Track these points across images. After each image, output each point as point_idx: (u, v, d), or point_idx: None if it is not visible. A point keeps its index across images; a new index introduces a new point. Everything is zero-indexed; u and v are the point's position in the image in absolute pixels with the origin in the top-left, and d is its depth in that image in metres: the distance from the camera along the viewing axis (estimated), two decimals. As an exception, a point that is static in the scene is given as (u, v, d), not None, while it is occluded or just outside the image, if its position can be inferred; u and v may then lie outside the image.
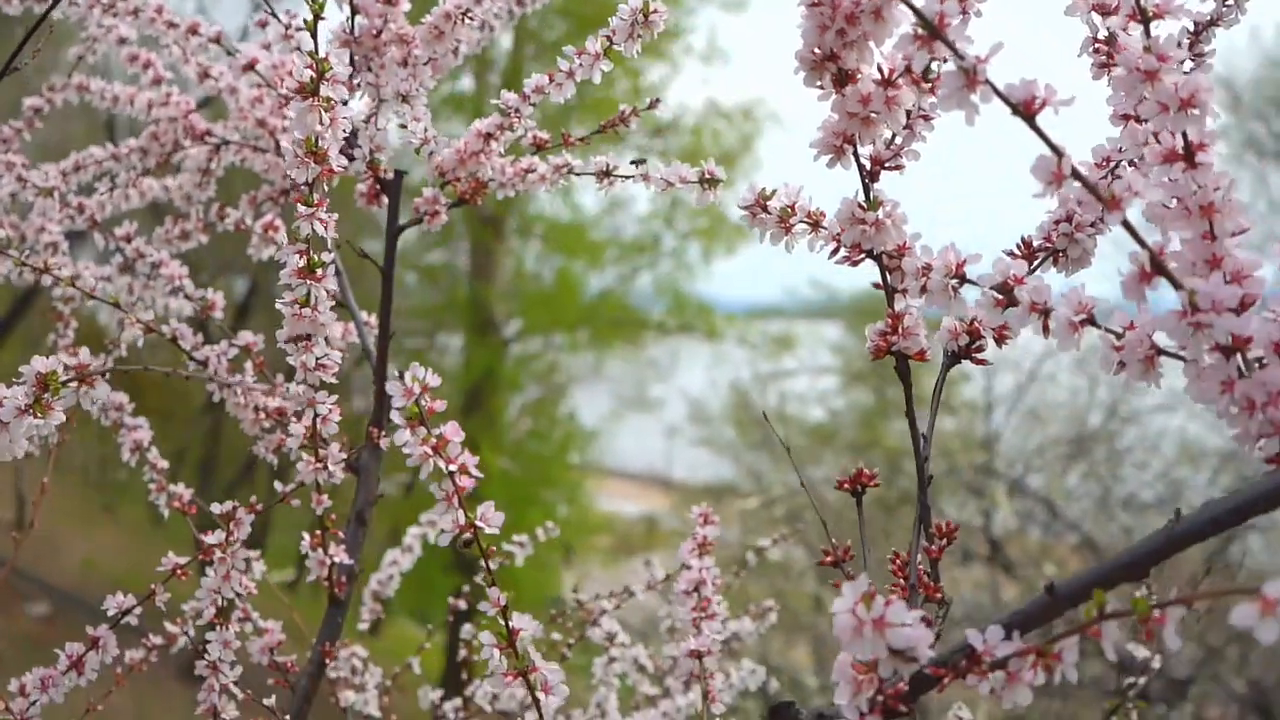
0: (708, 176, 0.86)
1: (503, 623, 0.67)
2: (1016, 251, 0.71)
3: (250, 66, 1.07)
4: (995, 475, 6.13)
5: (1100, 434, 7.03)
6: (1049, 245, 0.71)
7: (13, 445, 0.70)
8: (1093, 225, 0.70)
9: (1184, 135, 0.55)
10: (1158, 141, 0.59)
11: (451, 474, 0.64)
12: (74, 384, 0.68)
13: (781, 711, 0.60)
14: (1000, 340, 0.69)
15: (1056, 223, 0.71)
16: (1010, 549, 6.67)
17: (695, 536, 1.01)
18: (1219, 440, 7.34)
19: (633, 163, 0.97)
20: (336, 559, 0.99)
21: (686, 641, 0.95)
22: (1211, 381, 0.53)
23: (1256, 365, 0.55)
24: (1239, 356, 0.53)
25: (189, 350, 1.03)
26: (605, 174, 0.97)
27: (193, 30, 1.10)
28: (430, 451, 0.64)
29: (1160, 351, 0.56)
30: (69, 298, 1.27)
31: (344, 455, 0.94)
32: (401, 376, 0.63)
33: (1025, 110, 0.52)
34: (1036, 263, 0.71)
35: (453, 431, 0.65)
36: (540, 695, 0.66)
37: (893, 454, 8.44)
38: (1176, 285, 0.53)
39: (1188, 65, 0.75)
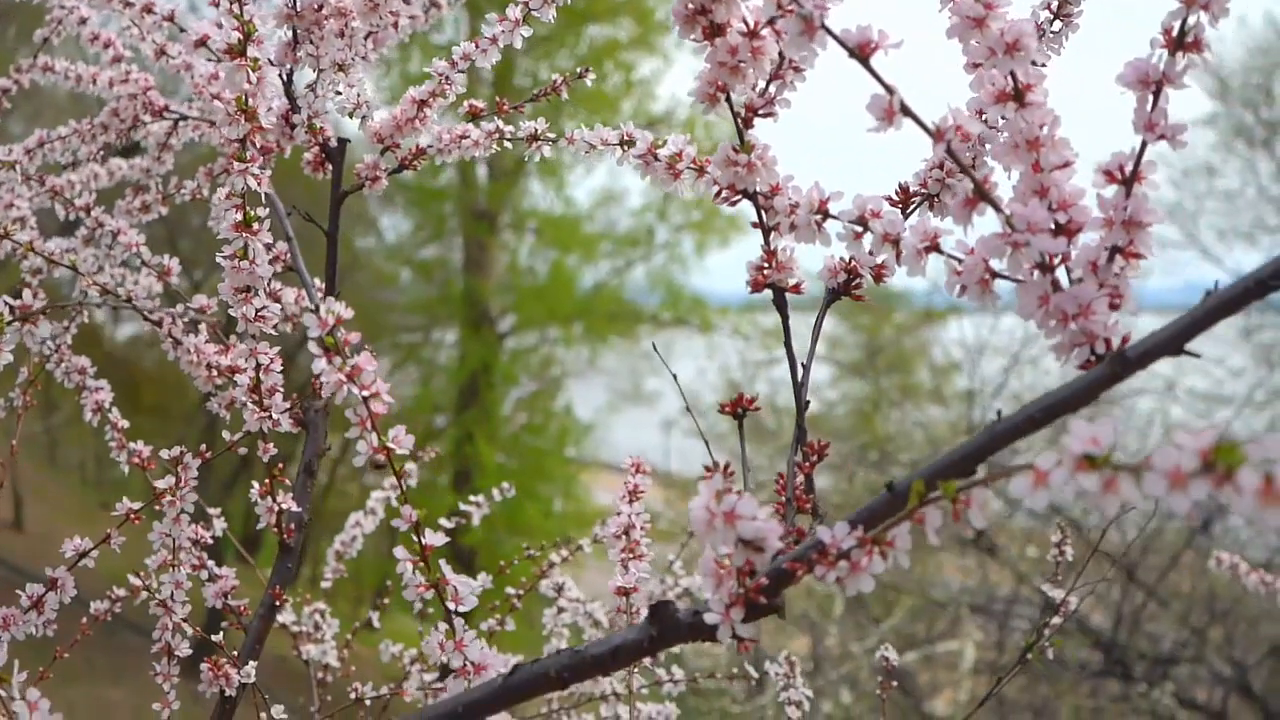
0: (626, 139, 0.91)
1: (416, 539, 0.72)
2: (894, 197, 0.77)
3: (202, 42, 1.12)
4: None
5: (1093, 418, 7.08)
6: (924, 190, 0.76)
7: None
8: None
9: (1013, 76, 0.61)
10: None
11: (366, 399, 0.70)
12: (17, 324, 0.73)
13: (660, 609, 0.65)
14: (878, 278, 0.75)
15: (931, 169, 0.76)
16: (999, 536, 6.74)
17: (626, 485, 1.07)
18: (1202, 424, 7.42)
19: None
20: (285, 507, 1.05)
21: (614, 579, 1.01)
22: (1031, 297, 0.59)
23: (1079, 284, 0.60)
24: (1055, 274, 0.59)
25: (145, 312, 1.08)
26: (534, 138, 1.03)
27: (147, 9, 1.15)
28: (345, 379, 0.69)
29: (995, 274, 0.62)
30: (36, 269, 1.33)
31: (288, 405, 0.99)
32: (317, 310, 0.68)
33: (861, 53, 0.58)
34: (912, 206, 0.76)
35: (366, 361, 0.70)
36: (451, 605, 0.72)
37: (884, 442, 8.51)
38: (998, 210, 0.58)
39: (1056, 25, 0.80)
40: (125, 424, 1.19)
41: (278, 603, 1.07)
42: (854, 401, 10.34)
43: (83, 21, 1.26)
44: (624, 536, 1.03)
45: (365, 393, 0.69)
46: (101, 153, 1.27)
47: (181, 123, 1.26)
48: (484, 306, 11.12)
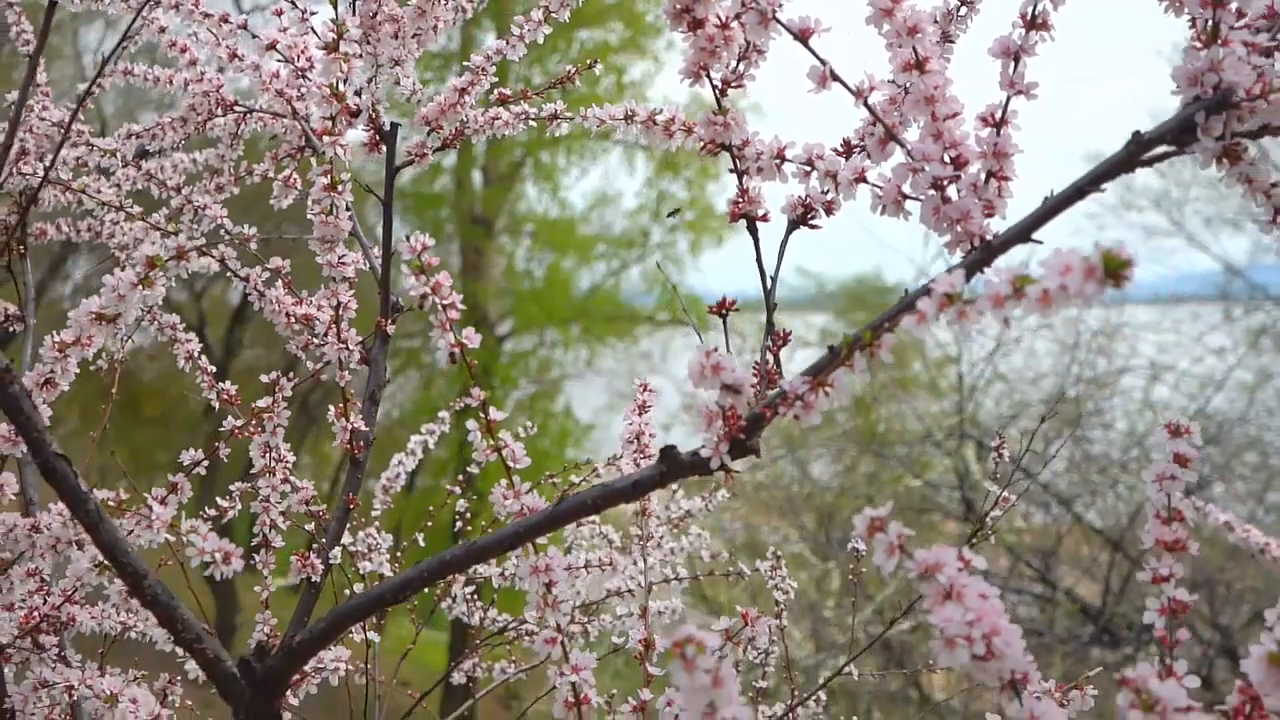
0: (629, 114, 1.14)
1: (483, 415, 0.95)
2: (839, 148, 0.99)
3: (271, 46, 1.35)
4: (967, 438, 6.43)
5: (1079, 400, 7.35)
6: (861, 143, 0.99)
7: (127, 314, 0.98)
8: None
9: (915, 51, 0.84)
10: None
11: (445, 306, 0.92)
12: (173, 260, 0.96)
13: (667, 452, 0.88)
14: (828, 211, 0.98)
15: (866, 126, 0.99)
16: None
17: (636, 400, 1.30)
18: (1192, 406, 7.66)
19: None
20: (356, 426, 1.27)
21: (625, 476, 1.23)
22: (929, 208, 0.81)
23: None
24: (947, 192, 0.81)
25: (234, 270, 1.31)
26: (554, 117, 1.26)
27: (224, 19, 1.38)
28: (429, 291, 0.92)
29: (904, 195, 0.85)
30: (124, 245, 1.55)
31: (361, 339, 1.22)
32: (408, 238, 0.91)
33: (802, 36, 0.81)
34: (853, 155, 0.99)
35: (444, 278, 0.93)
36: (510, 464, 0.95)
37: (880, 435, 8.75)
38: (903, 146, 0.81)
39: (963, 10, 1.03)
40: (213, 369, 1.42)
41: (350, 506, 1.29)
42: (851, 396, 10.57)
43: (162, 30, 1.49)
44: (635, 441, 1.25)
45: (444, 302, 0.92)
46: (182, 142, 1.50)
47: (249, 115, 1.49)
48: (482, 310, 11.34)
